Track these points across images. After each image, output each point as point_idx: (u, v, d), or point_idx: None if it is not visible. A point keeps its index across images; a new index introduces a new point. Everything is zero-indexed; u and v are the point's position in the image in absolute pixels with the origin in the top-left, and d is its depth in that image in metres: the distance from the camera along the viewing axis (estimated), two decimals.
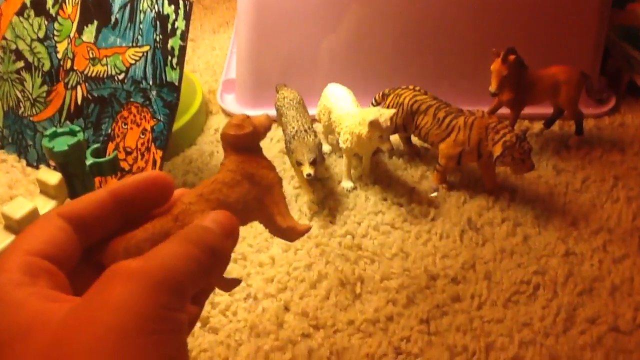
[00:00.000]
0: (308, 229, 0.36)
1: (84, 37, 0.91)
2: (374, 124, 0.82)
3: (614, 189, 0.90)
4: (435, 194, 0.89)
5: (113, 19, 0.88)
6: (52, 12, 0.94)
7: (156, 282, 0.25)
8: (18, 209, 0.73)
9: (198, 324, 0.71)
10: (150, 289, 0.24)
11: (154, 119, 0.85)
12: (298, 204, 0.89)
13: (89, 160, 0.84)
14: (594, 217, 0.85)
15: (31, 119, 0.97)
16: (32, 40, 0.96)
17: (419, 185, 0.91)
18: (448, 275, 0.77)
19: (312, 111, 0.96)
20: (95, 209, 0.31)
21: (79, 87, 0.92)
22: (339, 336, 0.69)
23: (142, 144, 0.86)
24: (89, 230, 0.30)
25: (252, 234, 0.83)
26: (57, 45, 0.94)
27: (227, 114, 1.08)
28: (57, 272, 0.28)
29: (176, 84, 0.82)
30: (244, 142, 0.34)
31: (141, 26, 0.85)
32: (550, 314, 0.72)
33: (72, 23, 0.92)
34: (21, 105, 0.98)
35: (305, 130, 0.85)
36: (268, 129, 0.35)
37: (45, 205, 0.77)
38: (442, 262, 0.78)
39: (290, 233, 0.35)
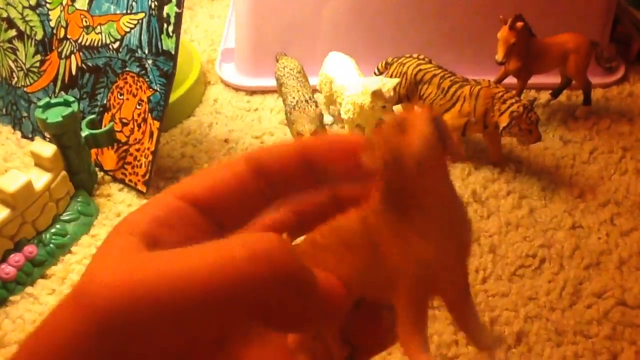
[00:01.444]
0: None
1: (77, 4, 0.88)
2: (376, 94, 0.80)
3: (622, 161, 0.88)
4: None
5: None
6: None
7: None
8: (12, 182, 0.71)
9: None
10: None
11: (150, 89, 0.83)
12: None
13: (85, 132, 0.82)
14: (601, 189, 0.83)
15: (25, 89, 0.95)
16: (23, 7, 0.93)
17: None
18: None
19: (313, 81, 0.93)
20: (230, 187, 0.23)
21: (73, 57, 0.90)
22: None
23: (139, 115, 0.84)
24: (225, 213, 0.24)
25: None
26: (50, 12, 0.91)
27: (226, 84, 1.05)
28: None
29: (172, 52, 0.80)
30: (386, 179, 0.21)
31: None
32: (556, 288, 0.70)
33: None
34: (14, 75, 0.96)
35: (306, 101, 0.83)
36: (427, 151, 0.20)
37: (40, 178, 0.75)
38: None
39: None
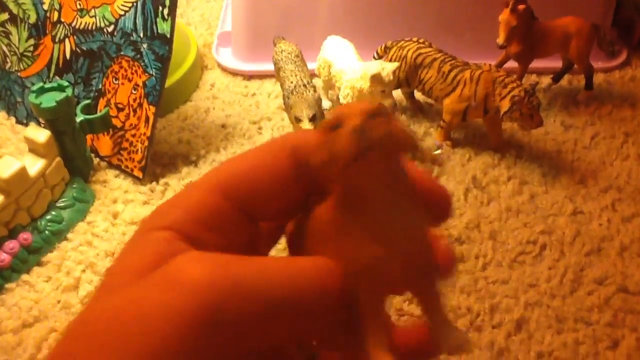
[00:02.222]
0: None
1: None
2: (375, 78, 0.78)
3: (624, 146, 0.87)
4: (439, 151, 0.86)
5: None
6: None
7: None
8: (5, 168, 0.70)
9: None
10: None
11: (146, 74, 0.81)
12: None
13: (80, 117, 0.81)
14: (602, 174, 0.82)
15: (19, 74, 0.93)
16: None
17: (423, 142, 0.88)
18: (452, 235, 0.74)
19: (312, 65, 0.92)
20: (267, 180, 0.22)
21: (67, 41, 0.88)
22: None
23: (134, 100, 0.83)
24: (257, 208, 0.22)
25: None
26: None
27: (223, 68, 1.04)
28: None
29: (168, 36, 0.78)
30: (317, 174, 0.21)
31: None
32: (557, 275, 0.70)
33: None
34: (8, 60, 0.94)
35: (304, 85, 0.82)
36: (353, 153, 0.19)
37: (34, 164, 0.74)
38: (446, 221, 0.76)
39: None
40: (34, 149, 0.75)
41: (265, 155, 0.22)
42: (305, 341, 0.23)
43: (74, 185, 0.80)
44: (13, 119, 0.95)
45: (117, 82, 0.85)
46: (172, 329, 0.17)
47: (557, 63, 0.95)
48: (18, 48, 0.92)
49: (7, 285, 0.71)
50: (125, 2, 0.82)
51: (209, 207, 0.21)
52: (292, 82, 0.83)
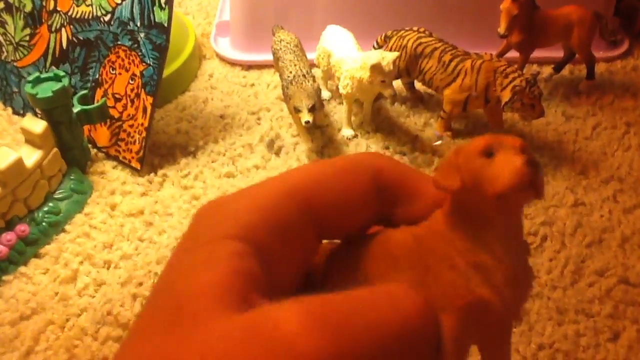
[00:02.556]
0: None
1: None
2: (375, 68, 0.77)
3: (626, 136, 0.86)
4: (439, 142, 0.86)
5: None
6: None
7: None
8: (1, 159, 0.69)
9: None
10: None
11: (143, 63, 0.80)
12: (296, 152, 0.85)
13: (76, 108, 0.80)
14: (604, 165, 0.82)
15: (15, 64, 0.92)
16: None
17: (423, 133, 0.87)
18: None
19: (311, 55, 0.91)
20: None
21: (63, 30, 0.87)
22: None
23: (132, 90, 0.82)
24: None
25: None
26: None
27: (222, 58, 1.03)
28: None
29: (165, 25, 0.77)
30: (457, 202, 0.20)
31: None
32: (558, 266, 0.69)
33: None
34: (3, 49, 0.93)
35: (304, 75, 0.81)
36: (512, 191, 0.19)
37: (31, 155, 0.73)
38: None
39: None
40: (31, 139, 0.75)
41: (346, 169, 0.21)
42: None
43: (71, 177, 0.79)
44: (9, 110, 0.94)
45: (114, 72, 0.84)
46: None
47: (558, 53, 0.95)
48: (14, 37, 0.91)
49: (4, 277, 0.70)
50: None
51: (284, 214, 0.20)
52: (291, 72, 0.82)
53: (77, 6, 0.85)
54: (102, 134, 0.86)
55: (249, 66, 1.01)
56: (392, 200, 0.21)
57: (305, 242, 0.20)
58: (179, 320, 0.17)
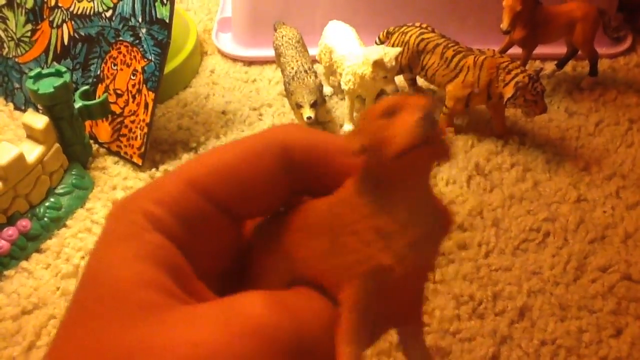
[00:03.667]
0: None
1: None
2: (378, 64, 0.77)
3: (629, 133, 0.86)
4: None
5: None
6: None
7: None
8: (3, 155, 0.69)
9: None
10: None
11: (145, 59, 0.80)
12: None
13: (78, 103, 0.80)
14: (607, 162, 0.82)
15: (16, 60, 0.92)
16: None
17: None
18: (455, 222, 0.73)
19: (313, 51, 0.91)
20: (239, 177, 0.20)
21: (64, 26, 0.87)
22: None
23: (133, 86, 0.82)
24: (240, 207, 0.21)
25: None
26: None
27: (223, 54, 1.03)
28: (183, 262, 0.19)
29: (167, 20, 0.77)
30: (364, 165, 0.20)
31: None
32: (560, 263, 0.69)
33: None
34: (5, 45, 0.93)
35: (305, 71, 0.81)
36: (409, 148, 0.18)
37: (32, 151, 0.73)
38: (449, 208, 0.75)
39: None
40: (32, 135, 0.75)
41: (250, 152, 0.21)
42: None
43: (73, 172, 0.79)
44: (11, 105, 0.94)
45: (115, 67, 0.84)
46: None
47: (561, 49, 0.94)
48: (15, 33, 0.91)
49: (6, 273, 0.70)
50: None
51: (191, 204, 0.20)
52: (293, 68, 0.82)
53: (79, 2, 0.85)
54: (103, 129, 0.86)
55: (250, 62, 1.01)
56: (305, 174, 0.21)
57: (220, 229, 0.20)
58: (124, 310, 0.17)
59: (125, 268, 0.18)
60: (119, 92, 0.83)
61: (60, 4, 0.87)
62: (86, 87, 0.83)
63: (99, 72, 0.85)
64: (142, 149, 0.81)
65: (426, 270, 0.20)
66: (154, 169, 0.82)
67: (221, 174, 0.20)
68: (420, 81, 0.92)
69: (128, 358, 0.16)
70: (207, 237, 0.20)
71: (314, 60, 0.90)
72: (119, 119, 0.84)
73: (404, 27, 0.87)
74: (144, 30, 0.80)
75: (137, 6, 0.80)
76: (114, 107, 0.83)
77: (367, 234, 0.19)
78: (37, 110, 0.84)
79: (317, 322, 0.18)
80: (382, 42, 0.90)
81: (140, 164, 0.82)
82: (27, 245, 0.72)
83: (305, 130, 0.22)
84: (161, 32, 0.78)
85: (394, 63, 0.77)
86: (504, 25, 0.85)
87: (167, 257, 0.18)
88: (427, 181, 0.20)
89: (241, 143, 0.21)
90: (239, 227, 0.22)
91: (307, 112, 0.78)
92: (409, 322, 0.21)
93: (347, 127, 0.87)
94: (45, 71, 0.76)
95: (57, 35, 0.88)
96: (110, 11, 0.82)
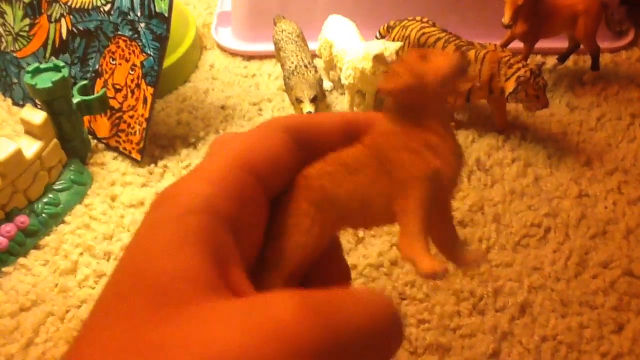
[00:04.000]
0: (436, 273, 0.21)
1: None
2: (378, 58, 0.77)
3: (631, 128, 0.85)
4: None
5: None
6: None
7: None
8: (1, 151, 0.69)
9: None
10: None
11: (144, 54, 0.80)
12: None
13: (76, 98, 0.79)
14: (608, 156, 0.81)
15: (14, 54, 0.92)
16: None
17: None
18: (455, 218, 0.73)
19: (313, 45, 0.90)
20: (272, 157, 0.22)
21: (63, 20, 0.86)
22: None
23: (132, 81, 0.81)
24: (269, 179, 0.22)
25: None
26: None
27: (223, 49, 1.02)
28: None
29: (166, 14, 0.77)
30: (402, 100, 0.23)
31: None
32: (562, 258, 0.69)
33: None
34: (3, 40, 0.92)
35: (305, 66, 0.80)
36: (451, 77, 0.22)
37: (30, 146, 0.73)
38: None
39: (412, 264, 0.22)
40: (30, 130, 0.74)
41: (271, 135, 0.22)
42: None
43: (71, 168, 0.79)
44: (9, 100, 0.93)
45: (114, 62, 0.83)
46: None
47: (563, 43, 0.94)
48: (13, 28, 0.91)
49: (4, 269, 0.70)
50: None
51: (240, 182, 0.20)
52: (292, 63, 0.81)
53: None
54: (102, 124, 0.85)
55: (250, 56, 1.00)
56: (313, 148, 0.23)
57: (260, 206, 0.21)
58: (162, 305, 0.16)
59: (165, 258, 0.17)
60: (117, 87, 0.83)
61: None
62: (85, 82, 0.83)
63: (97, 67, 0.85)
64: (141, 144, 0.81)
65: (456, 182, 0.23)
66: (152, 165, 0.82)
67: (254, 149, 0.21)
68: None
69: (158, 351, 0.15)
70: (253, 212, 0.21)
71: (313, 55, 0.89)
72: (117, 114, 0.83)
73: (405, 21, 0.86)
74: (142, 25, 0.79)
75: (136, 0, 0.79)
76: (112, 102, 0.83)
77: (419, 148, 0.22)
78: (35, 105, 0.84)
79: (353, 329, 0.17)
80: (382, 37, 0.89)
81: (139, 159, 0.81)
82: (25, 242, 0.72)
83: (299, 115, 0.24)
84: (160, 26, 0.78)
85: (394, 57, 0.77)
86: (506, 19, 0.84)
87: (213, 239, 0.18)
88: (446, 104, 0.23)
89: (254, 130, 0.22)
90: (268, 204, 0.22)
91: (307, 107, 0.77)
92: (445, 209, 0.24)
93: None
94: (43, 66, 0.76)
95: (55, 30, 0.87)
96: (109, 5, 0.82)
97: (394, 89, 0.22)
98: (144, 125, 0.80)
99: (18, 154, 0.70)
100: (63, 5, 0.86)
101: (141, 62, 0.80)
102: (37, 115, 0.74)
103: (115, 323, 0.16)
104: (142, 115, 0.80)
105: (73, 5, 0.85)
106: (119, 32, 0.82)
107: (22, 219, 0.72)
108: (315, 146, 0.23)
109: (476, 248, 0.21)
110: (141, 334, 0.16)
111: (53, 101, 0.75)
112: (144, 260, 0.18)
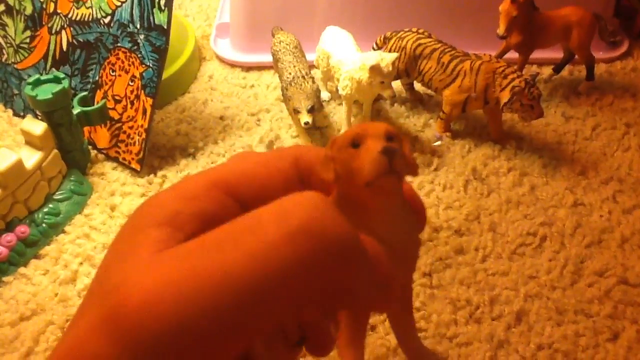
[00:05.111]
0: None
1: None
2: (375, 69, 0.78)
3: (625, 137, 0.86)
4: (438, 142, 0.86)
5: None
6: None
7: None
8: (1, 161, 0.69)
9: None
10: None
11: (143, 65, 0.81)
12: None
13: (76, 109, 0.80)
14: (603, 166, 0.82)
15: (15, 66, 0.93)
16: None
17: (422, 134, 0.87)
18: (451, 227, 0.74)
19: (310, 56, 0.91)
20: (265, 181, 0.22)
21: (63, 32, 0.87)
22: None
23: (132, 92, 0.82)
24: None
25: None
26: None
27: (221, 60, 1.03)
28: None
29: (165, 27, 0.78)
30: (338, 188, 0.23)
31: None
32: (557, 267, 0.69)
33: None
34: (4, 52, 0.93)
35: (303, 77, 0.81)
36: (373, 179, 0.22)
37: (31, 157, 0.74)
38: (446, 213, 0.76)
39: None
40: (31, 141, 0.75)
41: (271, 158, 0.23)
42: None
43: (72, 178, 0.79)
44: (10, 111, 0.94)
45: (114, 73, 0.84)
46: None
47: (558, 54, 0.95)
48: (14, 40, 0.92)
49: (5, 279, 0.70)
50: None
51: (214, 201, 0.21)
52: (290, 74, 0.82)
53: (77, 8, 0.85)
54: (102, 135, 0.86)
55: (248, 67, 1.01)
56: (314, 181, 0.23)
57: None
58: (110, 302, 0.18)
59: (120, 266, 0.19)
60: (117, 98, 0.84)
61: (59, 11, 0.87)
62: (85, 93, 0.84)
63: (97, 78, 0.86)
64: (141, 155, 0.82)
65: (410, 269, 0.23)
66: (152, 175, 0.82)
67: (244, 175, 0.22)
68: (418, 86, 0.92)
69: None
70: None
71: (311, 66, 0.90)
72: (117, 125, 0.84)
73: (401, 33, 0.87)
74: (142, 37, 0.80)
75: (136, 12, 0.80)
76: (112, 113, 0.84)
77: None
78: (35, 116, 0.84)
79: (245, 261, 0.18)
80: (379, 48, 0.90)
81: (139, 169, 0.82)
82: (25, 251, 0.72)
83: (312, 147, 0.24)
84: (159, 38, 0.79)
85: (390, 68, 0.78)
86: (501, 30, 0.85)
87: (165, 247, 0.19)
88: (399, 197, 0.22)
89: (260, 154, 0.23)
90: None
91: (305, 118, 0.78)
92: (398, 313, 0.23)
93: None
94: (44, 77, 0.77)
95: (55, 42, 0.88)
96: (109, 17, 0.83)
97: (323, 178, 0.22)
98: (144, 135, 0.81)
99: (18, 164, 0.71)
100: (63, 18, 0.87)
101: (140, 74, 0.81)
102: (37, 126, 0.74)
103: (77, 323, 0.18)
104: (142, 126, 0.81)
105: (73, 18, 0.86)
106: (119, 44, 0.83)
107: (23, 229, 0.72)
108: (321, 185, 0.23)
109: (435, 354, 0.20)
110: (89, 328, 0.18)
111: (53, 112, 0.76)
112: (107, 267, 0.19)
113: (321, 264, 0.17)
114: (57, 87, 0.75)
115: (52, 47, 0.89)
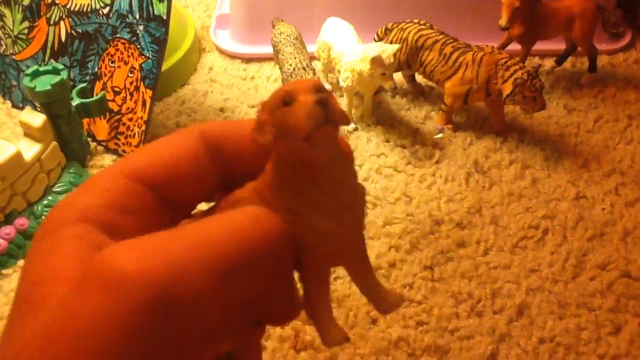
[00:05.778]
0: (339, 343, 0.22)
1: None
2: (376, 61, 0.77)
3: (628, 129, 0.86)
4: (440, 135, 0.85)
5: None
6: None
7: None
8: (0, 153, 0.69)
9: None
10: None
11: (142, 56, 0.80)
12: None
13: (75, 101, 0.80)
14: (606, 158, 0.81)
15: (13, 57, 0.92)
16: None
17: (423, 126, 0.87)
18: (453, 220, 0.73)
19: (311, 48, 0.90)
20: (178, 168, 0.22)
21: (62, 23, 0.87)
22: (339, 283, 0.67)
23: (131, 83, 0.82)
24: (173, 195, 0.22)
25: None
26: None
27: (222, 51, 1.02)
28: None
29: (164, 17, 0.77)
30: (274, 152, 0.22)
31: None
32: (559, 260, 0.69)
33: None
34: (2, 43, 0.92)
35: (304, 68, 0.81)
36: (311, 129, 0.20)
37: (29, 149, 0.73)
38: (447, 206, 0.75)
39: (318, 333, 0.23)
40: (30, 133, 0.74)
41: (176, 138, 0.22)
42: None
43: (71, 170, 0.79)
44: (9, 103, 0.94)
45: (113, 65, 0.83)
46: (122, 335, 0.16)
47: (560, 45, 0.94)
48: (12, 31, 0.91)
49: (4, 271, 0.70)
50: None
51: (123, 190, 0.21)
52: (291, 65, 0.82)
53: None
54: (101, 127, 0.85)
55: (249, 59, 1.00)
56: (229, 161, 0.23)
57: (158, 213, 0.22)
58: (29, 310, 0.18)
59: (38, 266, 0.19)
60: (116, 89, 0.83)
61: (57, 1, 0.86)
62: (84, 84, 0.83)
63: (96, 70, 0.85)
64: (140, 147, 0.81)
65: (360, 222, 0.22)
66: None
67: (154, 160, 0.22)
68: (419, 78, 0.91)
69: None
70: (141, 217, 0.21)
71: (312, 57, 0.89)
72: (116, 117, 0.83)
73: (403, 24, 0.86)
74: (141, 27, 0.79)
75: (135, 3, 0.79)
76: (111, 105, 0.83)
77: (303, 211, 0.21)
78: (34, 108, 0.84)
79: (212, 254, 0.18)
80: (380, 39, 0.89)
81: None
82: (24, 244, 0.72)
83: (222, 121, 0.24)
84: (158, 29, 0.78)
85: (392, 60, 0.77)
86: (503, 21, 0.84)
87: (83, 243, 0.19)
88: (337, 143, 0.22)
89: (166, 137, 0.23)
90: (174, 217, 0.22)
91: None
92: (355, 264, 0.24)
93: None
94: (42, 69, 0.76)
95: (54, 33, 0.87)
96: (108, 8, 0.82)
97: (260, 142, 0.21)
98: (143, 127, 0.80)
99: (17, 156, 0.70)
100: (62, 8, 0.86)
101: (140, 65, 0.80)
102: (36, 118, 0.74)
103: (12, 329, 0.19)
104: (141, 118, 0.80)
105: (72, 8, 0.85)
106: (118, 35, 0.82)
107: (22, 222, 0.72)
108: (233, 156, 0.23)
109: (395, 292, 0.20)
110: (20, 333, 0.18)
111: (52, 104, 0.75)
112: (26, 268, 0.20)
113: (278, 244, 0.20)
114: (55, 79, 0.74)
115: (50, 38, 0.88)
